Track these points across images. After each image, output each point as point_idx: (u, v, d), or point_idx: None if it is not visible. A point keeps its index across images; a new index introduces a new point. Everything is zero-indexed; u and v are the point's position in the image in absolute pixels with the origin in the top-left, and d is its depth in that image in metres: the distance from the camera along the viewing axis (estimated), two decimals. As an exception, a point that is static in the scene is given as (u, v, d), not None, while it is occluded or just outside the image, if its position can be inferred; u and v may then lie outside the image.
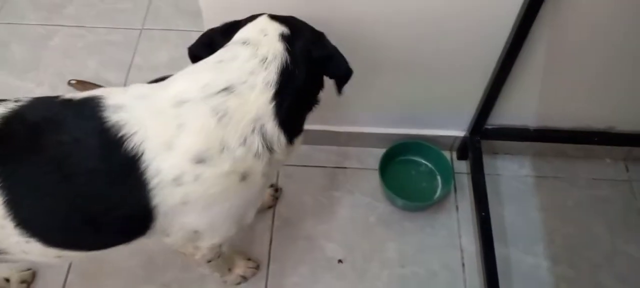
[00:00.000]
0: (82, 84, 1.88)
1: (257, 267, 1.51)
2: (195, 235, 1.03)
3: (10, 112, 0.91)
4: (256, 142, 0.94)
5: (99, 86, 1.84)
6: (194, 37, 1.10)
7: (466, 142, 1.67)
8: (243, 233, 1.55)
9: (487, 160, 1.68)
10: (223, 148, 0.91)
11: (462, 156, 1.73)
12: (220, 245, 1.16)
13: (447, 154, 1.72)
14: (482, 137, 1.64)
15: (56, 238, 0.95)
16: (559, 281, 1.52)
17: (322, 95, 1.09)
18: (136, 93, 0.94)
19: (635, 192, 1.70)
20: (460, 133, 1.67)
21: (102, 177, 0.89)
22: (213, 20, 1.18)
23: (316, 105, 1.07)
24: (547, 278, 1.53)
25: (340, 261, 1.54)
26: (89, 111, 0.91)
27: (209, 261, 1.23)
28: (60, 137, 0.89)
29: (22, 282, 1.46)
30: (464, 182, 1.70)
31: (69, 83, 1.89)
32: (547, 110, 1.58)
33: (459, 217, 1.64)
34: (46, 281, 1.49)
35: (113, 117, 0.89)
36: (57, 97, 0.95)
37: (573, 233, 1.61)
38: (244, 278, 1.48)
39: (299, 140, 1.06)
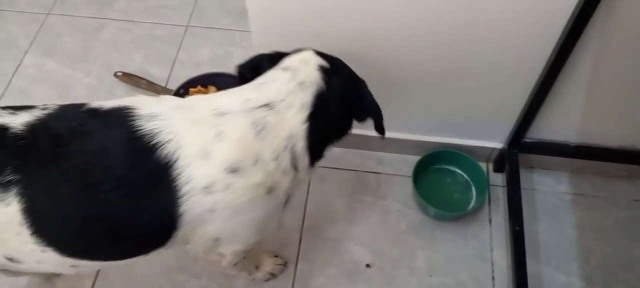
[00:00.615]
0: (127, 76, 1.95)
1: (285, 264, 1.53)
2: (215, 243, 1.04)
3: (36, 120, 0.92)
4: (286, 159, 0.98)
5: (144, 79, 1.91)
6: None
7: (503, 154, 1.64)
8: (270, 235, 1.58)
9: (523, 174, 1.65)
10: (257, 161, 0.95)
11: (498, 168, 1.71)
12: (242, 251, 1.17)
13: (483, 165, 1.70)
14: (520, 150, 1.61)
15: (73, 248, 0.96)
16: (593, 302, 1.49)
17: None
18: (171, 104, 0.97)
19: (678, 216, 1.64)
20: (498, 145, 1.65)
21: (128, 186, 0.89)
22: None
23: (341, 139, 1.13)
24: None
25: (368, 266, 1.55)
26: (118, 120, 0.93)
27: (235, 265, 1.24)
28: (84, 146, 0.90)
29: None
30: (499, 194, 1.67)
31: (115, 75, 1.97)
32: (589, 127, 1.54)
33: (491, 230, 1.61)
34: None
35: (147, 125, 0.91)
36: (83, 105, 0.97)
37: (610, 254, 1.56)
38: (273, 275, 1.50)
39: (317, 164, 1.10)
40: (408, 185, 1.66)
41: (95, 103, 0.97)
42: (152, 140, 0.90)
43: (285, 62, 1.07)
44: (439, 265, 1.55)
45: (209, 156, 0.91)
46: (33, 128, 0.91)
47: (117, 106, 0.96)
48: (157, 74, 1.99)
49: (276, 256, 1.53)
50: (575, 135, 1.58)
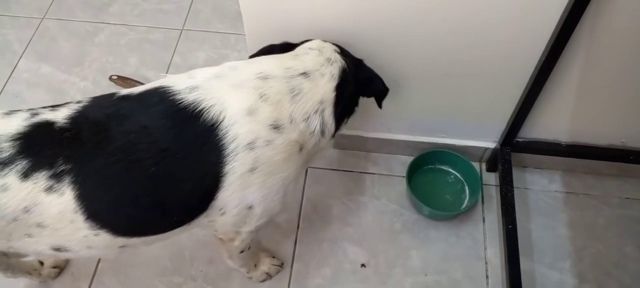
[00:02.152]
0: (123, 80, 1.96)
1: (281, 265, 1.55)
2: (249, 211, 1.10)
3: (75, 112, 0.98)
4: (315, 122, 1.10)
5: (139, 83, 1.92)
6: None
7: (496, 154, 1.66)
8: (269, 228, 1.59)
9: (516, 173, 1.67)
10: (292, 121, 1.06)
11: (491, 168, 1.72)
12: (258, 230, 1.21)
13: (476, 165, 1.71)
14: (512, 150, 1.62)
15: (125, 226, 1.01)
16: (586, 300, 1.50)
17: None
18: (207, 75, 1.04)
19: (670, 214, 1.66)
20: (491, 144, 1.67)
21: (173, 154, 0.96)
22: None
23: (351, 115, 1.26)
24: None
25: (363, 265, 1.56)
26: (156, 99, 1.00)
27: (242, 252, 1.31)
28: (124, 127, 0.96)
29: (55, 266, 1.51)
30: (492, 194, 1.69)
31: (110, 78, 1.97)
32: (580, 126, 1.56)
33: (485, 229, 1.63)
34: (78, 267, 1.55)
35: (188, 97, 0.99)
36: (113, 94, 1.03)
37: (602, 252, 1.58)
38: (269, 276, 1.52)
39: (334, 138, 1.22)
40: (402, 185, 1.68)
41: (123, 91, 1.03)
42: (196, 109, 0.98)
43: (306, 45, 1.20)
44: (434, 264, 1.56)
45: (254, 114, 1.00)
46: (74, 120, 0.97)
47: (150, 88, 1.03)
48: (152, 77, 2.00)
49: (273, 257, 1.54)
50: (566, 134, 1.60)
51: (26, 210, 0.92)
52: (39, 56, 2.08)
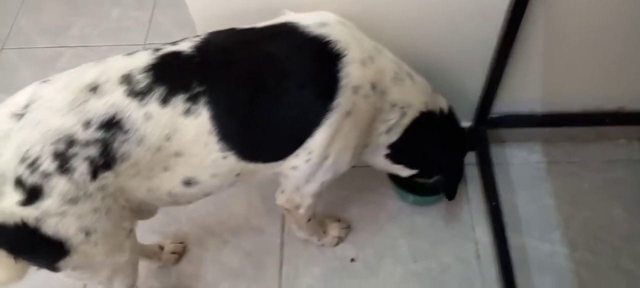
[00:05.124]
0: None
1: (349, 227, 1.58)
2: (322, 162, 1.11)
3: (199, 41, 1.02)
4: (394, 117, 1.17)
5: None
6: None
7: (472, 133, 1.64)
8: (254, 235, 1.55)
9: (495, 149, 1.66)
10: (384, 93, 1.11)
11: (470, 147, 1.70)
12: (320, 191, 1.23)
13: (455, 146, 1.69)
14: (488, 127, 1.61)
15: (249, 149, 1.05)
16: (579, 267, 1.49)
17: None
18: (335, 18, 1.09)
19: (651, 171, 1.66)
20: (466, 124, 1.65)
21: (295, 79, 1.01)
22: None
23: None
24: (566, 265, 1.50)
25: (352, 260, 1.53)
26: (284, 30, 1.06)
27: (309, 221, 1.36)
28: (252, 53, 1.02)
29: (173, 252, 1.53)
30: (474, 173, 1.67)
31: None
32: (553, 94, 1.55)
33: (471, 209, 1.61)
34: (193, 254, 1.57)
35: (317, 30, 1.04)
36: (233, 28, 1.07)
37: (590, 218, 1.57)
38: (340, 238, 1.55)
39: (379, 154, 1.30)
40: (382, 175, 1.65)
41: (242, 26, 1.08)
42: (323, 40, 1.03)
43: None
44: (423, 250, 1.54)
45: (365, 66, 1.06)
46: (200, 48, 1.01)
47: (275, 23, 1.08)
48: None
49: (339, 220, 1.57)
50: (541, 104, 1.59)
51: (167, 137, 0.95)
52: (2, 87, 2.02)
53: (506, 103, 1.56)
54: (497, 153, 1.68)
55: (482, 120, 1.59)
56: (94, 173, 0.92)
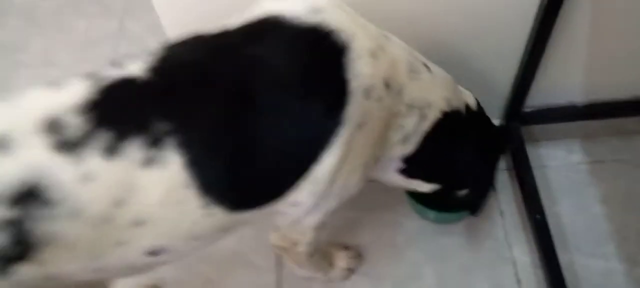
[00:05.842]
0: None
1: (360, 255, 1.36)
2: (328, 188, 0.87)
3: (157, 59, 0.77)
4: (412, 120, 0.96)
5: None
6: None
7: (502, 132, 1.41)
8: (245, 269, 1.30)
9: (529, 150, 1.43)
10: (400, 92, 0.90)
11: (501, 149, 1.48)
12: (322, 223, 1.00)
13: (481, 151, 1.47)
14: (521, 123, 1.39)
15: (242, 194, 0.81)
16: (641, 286, 1.26)
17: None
18: (333, 1, 0.87)
19: None
20: (495, 122, 1.42)
21: (293, 86, 0.79)
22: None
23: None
24: (626, 284, 1.27)
25: (368, 296, 1.29)
26: (269, 25, 0.82)
27: (311, 256, 1.12)
28: (232, 62, 0.79)
29: None
30: (506, 180, 1.44)
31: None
32: (596, 81, 1.35)
33: (505, 224, 1.38)
34: None
35: (312, 18, 0.81)
36: (198, 35, 0.83)
37: (648, 225, 1.35)
38: (351, 271, 1.33)
39: (397, 167, 1.09)
40: (397, 191, 1.40)
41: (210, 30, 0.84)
42: (321, 30, 0.81)
43: None
44: (453, 277, 1.32)
45: (376, 58, 0.84)
46: (157, 69, 0.76)
47: (254, 17, 0.84)
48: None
49: (346, 248, 1.35)
50: (581, 93, 1.38)
51: (119, 202, 0.70)
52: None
53: (541, 94, 1.34)
54: (531, 154, 1.45)
55: (515, 115, 1.36)
56: (2, 269, 0.66)
